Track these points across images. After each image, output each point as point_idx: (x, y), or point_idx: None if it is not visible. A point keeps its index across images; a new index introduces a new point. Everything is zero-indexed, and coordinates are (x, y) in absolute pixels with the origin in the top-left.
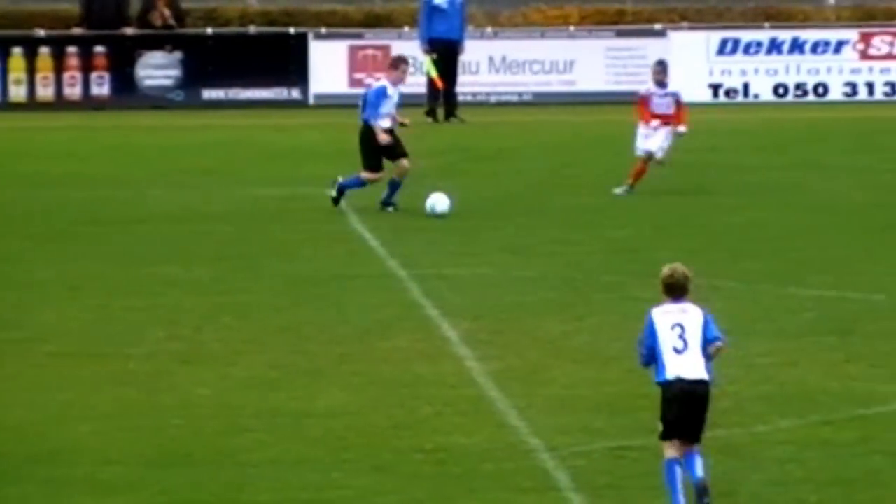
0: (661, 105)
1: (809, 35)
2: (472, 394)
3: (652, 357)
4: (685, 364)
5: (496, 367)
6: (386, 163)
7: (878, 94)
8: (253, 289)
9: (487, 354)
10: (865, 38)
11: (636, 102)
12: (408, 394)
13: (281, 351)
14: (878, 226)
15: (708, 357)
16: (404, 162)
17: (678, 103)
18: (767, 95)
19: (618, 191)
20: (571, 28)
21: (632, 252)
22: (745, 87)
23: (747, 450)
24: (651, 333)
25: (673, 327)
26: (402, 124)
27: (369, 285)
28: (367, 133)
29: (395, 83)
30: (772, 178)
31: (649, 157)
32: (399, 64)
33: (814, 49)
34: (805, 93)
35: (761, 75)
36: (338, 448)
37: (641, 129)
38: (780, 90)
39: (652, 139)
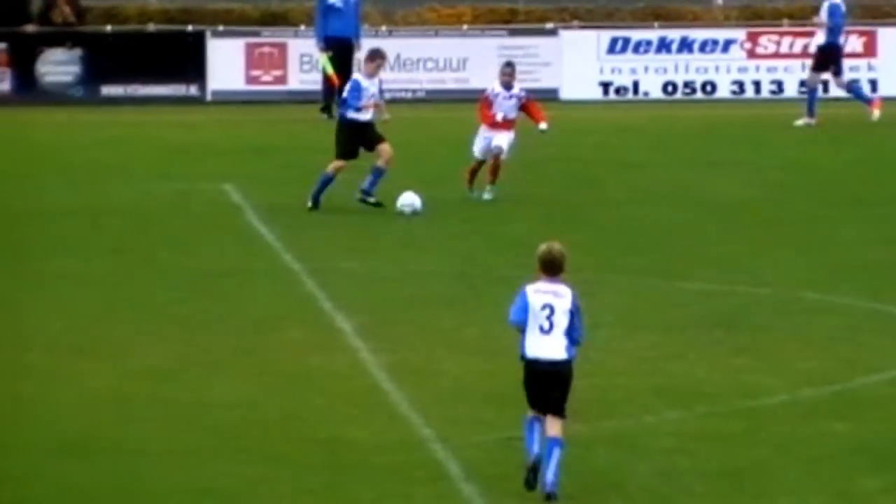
0: (506, 107)
1: (698, 34)
2: (366, 385)
3: (523, 327)
4: (547, 345)
5: (389, 360)
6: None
7: (765, 93)
8: (150, 282)
9: (380, 347)
10: (752, 38)
11: (480, 102)
12: (302, 385)
13: (176, 343)
14: (763, 221)
15: (573, 342)
16: (385, 146)
17: (527, 104)
18: (657, 93)
19: (486, 196)
20: (465, 27)
21: (523, 246)
22: (635, 84)
23: (635, 441)
24: (523, 309)
25: (543, 307)
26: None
27: (264, 279)
28: (341, 124)
29: (368, 76)
30: (661, 175)
31: (482, 162)
32: (375, 57)
33: (702, 48)
34: (693, 91)
35: (651, 74)
36: (232, 438)
37: (483, 132)
38: (669, 88)
39: (496, 139)
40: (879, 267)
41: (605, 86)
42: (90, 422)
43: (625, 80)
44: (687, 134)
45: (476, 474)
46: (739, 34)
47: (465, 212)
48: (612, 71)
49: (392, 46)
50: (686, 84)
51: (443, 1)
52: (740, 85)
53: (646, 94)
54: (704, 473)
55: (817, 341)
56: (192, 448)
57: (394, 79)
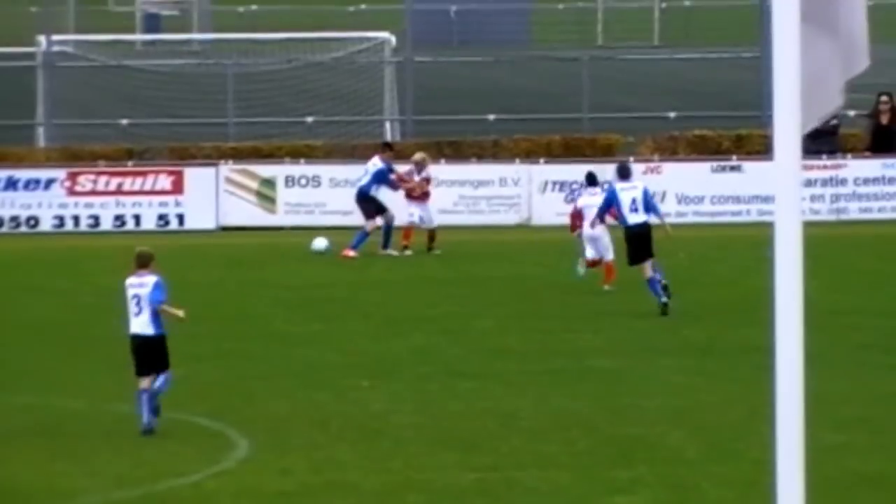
0: None
1: (22, 174)
2: None
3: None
4: (140, 323)
5: None
6: None
7: (83, 226)
8: None
9: None
10: (72, 177)
11: None
12: None
13: None
14: (78, 340)
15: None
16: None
17: None
18: None
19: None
20: None
21: None
22: None
23: None
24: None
25: (132, 297)
26: None
27: None
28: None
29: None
30: None
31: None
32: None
33: (26, 186)
34: (19, 224)
35: None
36: None
37: None
38: None
39: None
40: (183, 382)
41: None
42: None
43: None
44: (12, 263)
45: None
46: (60, 174)
47: None
48: None
49: None
50: (12, 218)
51: None
52: (61, 219)
53: None
54: None
55: (128, 448)
56: None
57: None
